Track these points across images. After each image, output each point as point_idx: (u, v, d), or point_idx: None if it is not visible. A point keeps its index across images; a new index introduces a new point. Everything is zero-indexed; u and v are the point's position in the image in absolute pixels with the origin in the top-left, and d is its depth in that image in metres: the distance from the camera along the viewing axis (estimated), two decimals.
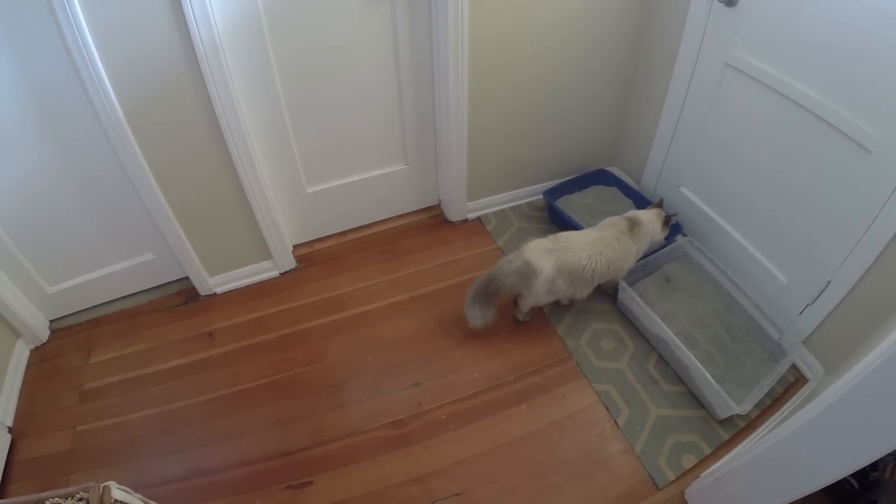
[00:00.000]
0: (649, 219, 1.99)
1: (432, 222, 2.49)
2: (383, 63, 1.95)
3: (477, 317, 1.88)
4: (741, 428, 1.78)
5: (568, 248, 1.82)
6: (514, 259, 1.83)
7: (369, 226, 2.45)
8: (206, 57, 1.58)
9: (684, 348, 1.80)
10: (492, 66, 2.02)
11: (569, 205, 2.49)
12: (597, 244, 1.86)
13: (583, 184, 2.58)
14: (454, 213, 2.45)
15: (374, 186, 2.30)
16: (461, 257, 2.32)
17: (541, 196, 2.51)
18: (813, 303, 1.83)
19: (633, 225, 1.94)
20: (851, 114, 1.58)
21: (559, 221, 2.41)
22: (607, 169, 2.63)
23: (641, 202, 2.43)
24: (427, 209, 2.52)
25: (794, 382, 1.91)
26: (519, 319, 2.06)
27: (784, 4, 1.69)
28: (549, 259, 1.80)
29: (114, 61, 1.51)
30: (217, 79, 1.63)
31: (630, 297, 2.00)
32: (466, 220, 2.49)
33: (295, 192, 2.17)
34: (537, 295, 1.86)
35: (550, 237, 1.88)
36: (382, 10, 1.82)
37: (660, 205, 2.11)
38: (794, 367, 1.94)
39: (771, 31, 1.76)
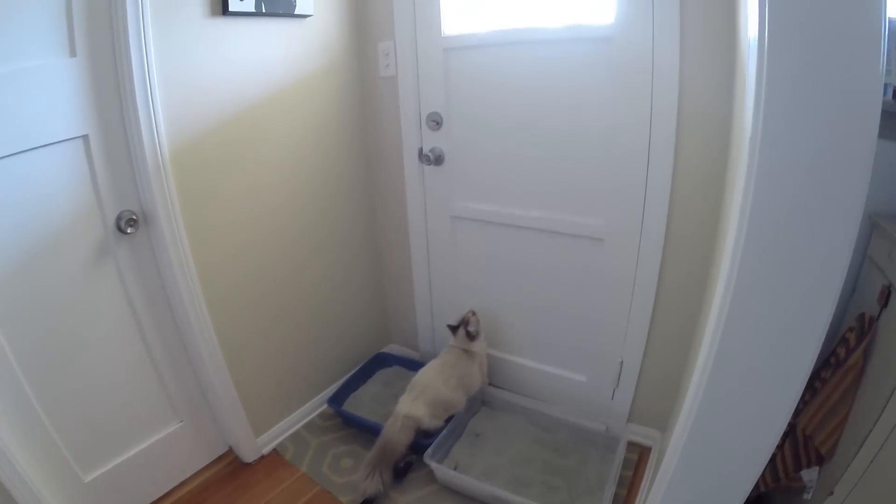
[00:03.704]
0: (460, 341, 2.22)
1: (229, 470, 2.25)
2: (127, 334, 1.85)
3: (378, 483, 1.92)
4: None
5: (426, 386, 2.12)
6: (394, 422, 2.04)
7: (167, 495, 2.11)
8: None
9: (517, 497, 1.78)
10: (229, 298, 2.03)
11: (357, 402, 2.47)
12: (443, 370, 2.17)
13: (365, 375, 2.60)
14: (248, 454, 2.27)
15: (155, 456, 2.04)
16: (270, 497, 2.11)
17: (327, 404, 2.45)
18: (618, 384, 2.00)
19: (463, 351, 2.21)
20: (574, 215, 1.85)
21: (355, 423, 2.35)
22: (383, 351, 2.71)
23: None
24: (219, 458, 2.29)
25: (640, 457, 2.02)
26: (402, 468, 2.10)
27: (476, 150, 1.99)
28: (419, 404, 2.07)
29: None
30: None
31: (444, 472, 1.98)
32: (263, 457, 2.31)
33: (74, 487, 1.80)
34: (430, 427, 2.09)
35: (409, 387, 2.16)
36: (108, 272, 1.75)
37: (454, 332, 2.25)
38: (632, 444, 2.06)
39: (477, 174, 2.05)
